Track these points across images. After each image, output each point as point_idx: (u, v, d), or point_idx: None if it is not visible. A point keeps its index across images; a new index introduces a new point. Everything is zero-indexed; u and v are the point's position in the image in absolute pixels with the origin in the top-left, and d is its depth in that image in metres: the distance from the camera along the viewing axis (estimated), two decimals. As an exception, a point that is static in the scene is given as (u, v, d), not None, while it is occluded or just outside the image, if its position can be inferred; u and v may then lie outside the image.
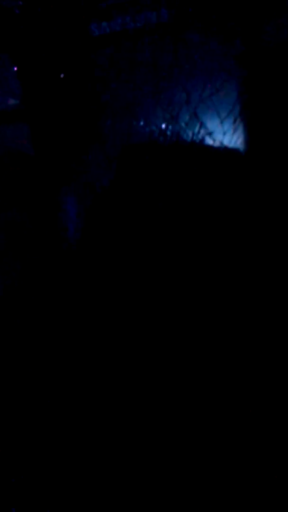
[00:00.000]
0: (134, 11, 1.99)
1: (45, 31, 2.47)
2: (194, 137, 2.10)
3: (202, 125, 2.08)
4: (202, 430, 1.89)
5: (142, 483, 1.75)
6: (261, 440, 1.82)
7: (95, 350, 2.24)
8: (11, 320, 2.41)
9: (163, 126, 2.13)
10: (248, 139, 2.09)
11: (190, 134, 2.11)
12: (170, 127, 2.11)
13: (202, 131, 2.09)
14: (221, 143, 2.11)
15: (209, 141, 2.13)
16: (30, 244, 2.58)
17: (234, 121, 2.07)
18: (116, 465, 1.83)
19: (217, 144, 2.12)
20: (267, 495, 1.66)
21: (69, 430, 2.00)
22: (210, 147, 2.12)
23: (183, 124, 2.09)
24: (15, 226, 2.61)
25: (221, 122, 2.08)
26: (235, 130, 2.08)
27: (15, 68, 2.66)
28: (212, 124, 2.11)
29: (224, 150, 2.10)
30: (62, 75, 2.39)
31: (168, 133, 2.13)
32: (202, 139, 2.11)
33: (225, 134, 2.10)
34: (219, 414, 1.92)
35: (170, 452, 1.84)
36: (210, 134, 2.10)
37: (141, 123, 2.14)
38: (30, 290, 2.48)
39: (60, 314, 2.39)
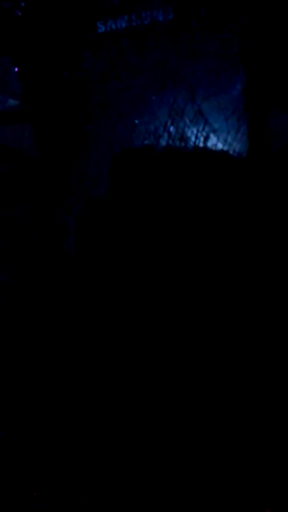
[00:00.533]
0: (140, 8, 2.01)
1: (47, 31, 2.49)
2: (199, 134, 2.12)
3: (206, 122, 2.10)
4: (202, 429, 1.89)
5: (142, 483, 1.75)
6: (261, 439, 1.82)
7: (95, 349, 2.23)
8: (11, 319, 2.39)
9: (168, 123, 2.14)
10: (253, 136, 2.11)
11: (195, 131, 2.12)
12: (174, 124, 2.13)
13: (206, 128, 2.11)
14: (226, 140, 2.13)
15: (213, 138, 2.14)
16: (31, 244, 2.56)
17: (238, 119, 2.09)
18: (116, 465, 1.82)
19: (221, 141, 2.13)
20: (267, 494, 1.66)
21: (69, 430, 1.98)
22: (215, 145, 2.14)
23: (187, 121, 2.11)
24: (15, 225, 2.60)
25: (226, 120, 2.10)
26: (239, 128, 2.10)
27: (16, 69, 2.66)
28: (217, 121, 2.13)
29: (228, 148, 2.12)
30: (65, 74, 2.40)
31: (172, 130, 2.14)
32: (207, 136, 2.13)
33: (229, 132, 2.11)
34: (219, 413, 1.92)
35: (170, 451, 1.83)
36: (214, 131, 2.11)
37: (146, 119, 2.16)
38: (31, 289, 2.46)
39: (61, 313, 2.37)
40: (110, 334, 2.24)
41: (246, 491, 1.66)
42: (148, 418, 1.97)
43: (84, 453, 1.90)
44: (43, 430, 2.01)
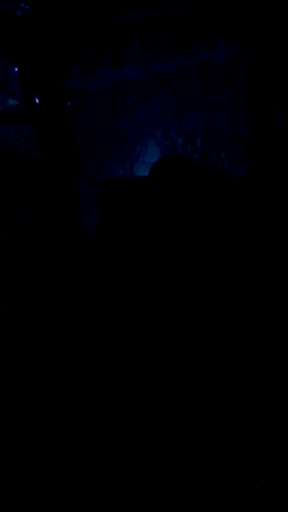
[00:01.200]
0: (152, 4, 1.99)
1: (49, 32, 2.49)
2: (207, 163, 2.15)
3: (214, 151, 2.12)
4: (202, 429, 1.91)
5: (142, 483, 1.76)
6: (262, 440, 1.83)
7: (97, 350, 2.25)
8: (13, 320, 2.40)
9: (178, 143, 2.16)
10: (257, 166, 2.13)
11: (203, 158, 2.14)
12: (187, 147, 2.15)
13: (214, 157, 2.13)
14: (230, 170, 2.15)
15: (220, 168, 2.17)
16: (31, 244, 2.59)
17: (243, 149, 2.11)
18: (116, 465, 1.83)
19: (226, 171, 2.16)
20: (267, 495, 1.68)
21: (69, 430, 1.99)
22: (220, 175, 2.16)
23: (198, 146, 2.13)
24: (15, 225, 2.62)
25: (231, 149, 2.12)
26: (243, 158, 2.12)
27: (16, 69, 2.67)
28: (223, 150, 2.15)
29: (233, 178, 2.14)
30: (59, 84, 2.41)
31: (180, 149, 2.17)
32: (214, 165, 2.15)
33: (233, 161, 2.13)
34: (219, 414, 1.94)
35: (170, 451, 1.85)
36: (220, 160, 2.13)
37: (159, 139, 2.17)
38: (30, 290, 2.48)
39: (60, 314, 2.39)
40: (111, 334, 2.27)
41: (246, 490, 1.70)
42: (147, 416, 1.99)
43: (83, 451, 1.92)
44: (42, 427, 2.03)
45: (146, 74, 2.04)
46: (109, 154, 2.36)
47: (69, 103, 2.39)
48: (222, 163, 2.13)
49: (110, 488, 1.79)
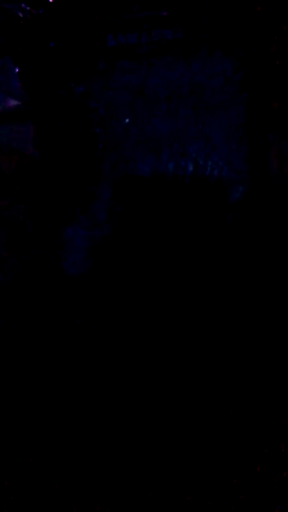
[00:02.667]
0: (150, 27, 2.03)
1: (49, 34, 2.48)
2: (200, 151, 2.19)
3: (209, 141, 2.16)
4: (202, 430, 1.92)
5: (142, 483, 1.79)
6: (262, 439, 1.85)
7: (95, 350, 2.26)
8: (10, 318, 2.40)
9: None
10: (253, 155, 2.19)
11: (197, 147, 2.18)
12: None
13: (208, 147, 2.18)
14: (227, 158, 2.20)
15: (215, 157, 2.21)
16: (30, 244, 2.60)
17: (240, 138, 2.16)
18: (116, 465, 1.83)
19: (223, 159, 2.20)
20: (267, 495, 1.69)
21: (69, 430, 1.99)
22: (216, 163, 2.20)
23: (190, 139, 2.17)
24: (15, 225, 2.63)
25: (227, 139, 2.17)
26: (241, 146, 2.16)
27: (17, 69, 2.65)
28: (219, 141, 2.20)
29: (229, 166, 2.19)
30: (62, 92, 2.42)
31: (175, 146, 2.21)
32: (209, 155, 2.20)
33: (230, 151, 2.18)
34: (219, 414, 1.95)
35: (169, 451, 1.86)
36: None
37: (148, 134, 2.21)
38: (29, 290, 2.49)
39: (59, 314, 2.40)
40: (110, 331, 2.28)
41: (247, 489, 1.73)
42: (147, 416, 2.00)
43: (83, 451, 1.91)
44: (43, 427, 2.02)
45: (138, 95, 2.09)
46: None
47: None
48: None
49: (110, 488, 1.79)
